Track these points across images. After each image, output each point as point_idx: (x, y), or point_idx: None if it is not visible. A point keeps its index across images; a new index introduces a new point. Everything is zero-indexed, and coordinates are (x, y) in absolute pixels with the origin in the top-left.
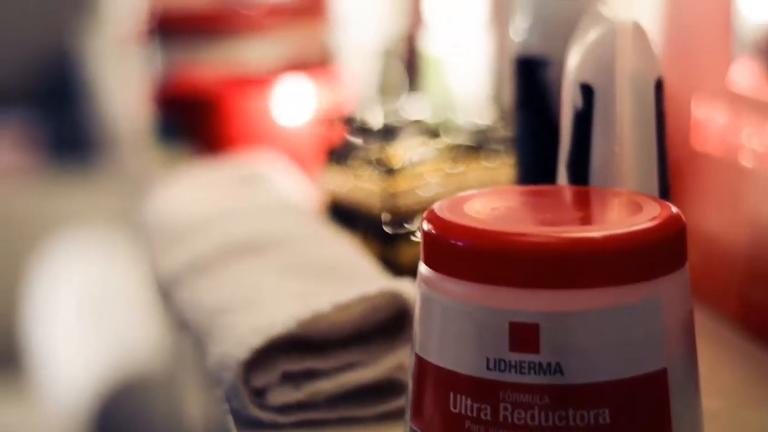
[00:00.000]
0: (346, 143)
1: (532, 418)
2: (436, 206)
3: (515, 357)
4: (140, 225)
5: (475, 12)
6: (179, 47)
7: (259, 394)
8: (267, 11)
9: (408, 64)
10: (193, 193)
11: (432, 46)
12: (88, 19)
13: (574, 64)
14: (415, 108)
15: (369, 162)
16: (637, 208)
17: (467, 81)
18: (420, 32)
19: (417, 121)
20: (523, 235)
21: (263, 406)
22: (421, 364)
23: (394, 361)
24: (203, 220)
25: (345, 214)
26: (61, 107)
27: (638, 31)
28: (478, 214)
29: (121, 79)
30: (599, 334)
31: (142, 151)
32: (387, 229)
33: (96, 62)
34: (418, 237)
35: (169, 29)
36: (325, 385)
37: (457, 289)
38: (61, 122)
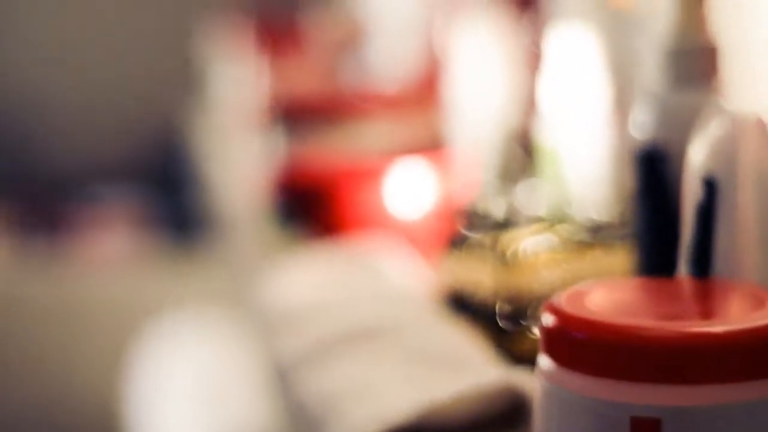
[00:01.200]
0: (462, 233)
1: None
2: (556, 298)
3: None
4: (254, 309)
5: (593, 103)
6: (294, 133)
7: None
8: (382, 98)
9: (525, 153)
10: (309, 279)
11: (548, 136)
12: (199, 99)
13: (696, 157)
14: (532, 199)
15: (484, 250)
16: (759, 302)
17: (585, 172)
18: (535, 122)
19: (534, 213)
20: (645, 329)
21: None
22: None
23: None
24: (319, 306)
25: (460, 303)
26: (172, 188)
27: (760, 124)
28: (599, 307)
29: (233, 161)
30: (721, 430)
31: (255, 235)
32: (503, 320)
33: (207, 143)
34: (535, 329)
35: (284, 115)
36: None
37: (577, 382)
38: (172, 203)
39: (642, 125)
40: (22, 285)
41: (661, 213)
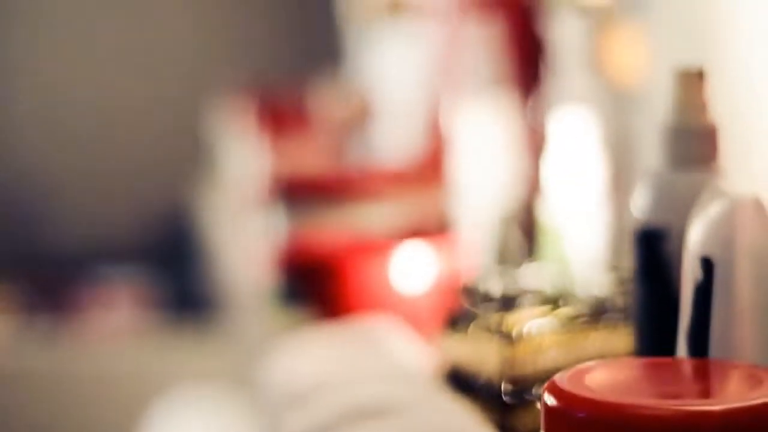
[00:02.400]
0: (465, 311)
1: None
2: (557, 377)
3: None
4: (259, 386)
5: (593, 181)
6: (298, 211)
7: None
8: (386, 177)
9: (527, 233)
10: (314, 357)
11: (550, 214)
12: (205, 178)
13: (694, 237)
14: (533, 277)
15: (488, 330)
16: (757, 381)
17: (586, 250)
18: (538, 200)
19: (536, 290)
20: (644, 407)
21: None
22: None
23: None
24: (324, 385)
25: (463, 381)
26: (178, 266)
27: (758, 205)
28: (599, 386)
29: (240, 239)
30: None
31: (260, 313)
32: (506, 398)
33: (214, 221)
34: (538, 407)
35: (288, 193)
36: None
37: None
38: (177, 281)
39: (641, 204)
40: (28, 361)
41: (660, 292)
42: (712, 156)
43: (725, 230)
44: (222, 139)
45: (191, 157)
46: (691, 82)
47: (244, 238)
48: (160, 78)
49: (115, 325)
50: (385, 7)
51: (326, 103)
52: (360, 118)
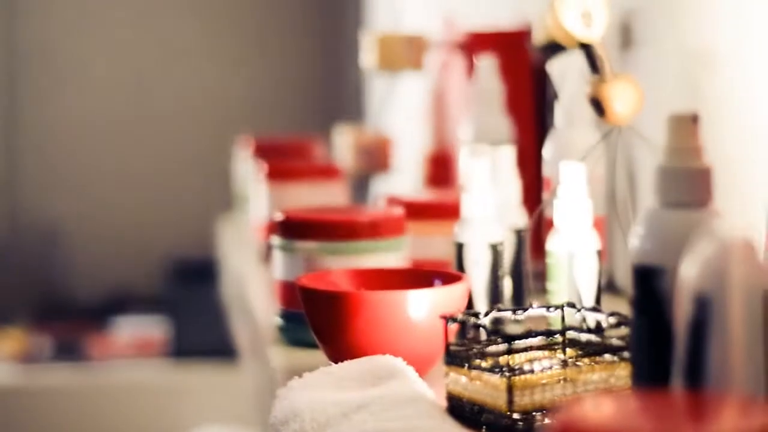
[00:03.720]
0: (469, 344)
1: None
2: (557, 411)
3: None
4: (272, 425)
5: (592, 218)
6: (306, 247)
7: None
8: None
9: (532, 269)
10: (325, 391)
11: (555, 245)
12: (227, 224)
13: (689, 275)
14: (537, 309)
15: (491, 363)
16: (749, 413)
17: (590, 284)
18: (546, 232)
19: (539, 323)
20: None
21: None
22: None
23: None
24: (336, 417)
25: (468, 414)
26: (197, 310)
27: (748, 245)
28: (598, 419)
29: (255, 273)
30: None
31: (273, 349)
32: (509, 430)
33: (234, 264)
34: None
35: (297, 230)
36: None
37: None
38: (195, 325)
39: (639, 240)
40: (47, 407)
41: (657, 325)
42: (706, 197)
43: (718, 269)
44: (244, 185)
45: (215, 205)
46: (685, 126)
47: (257, 271)
48: (183, 129)
49: (134, 371)
50: (406, 59)
51: (344, 147)
52: (377, 161)
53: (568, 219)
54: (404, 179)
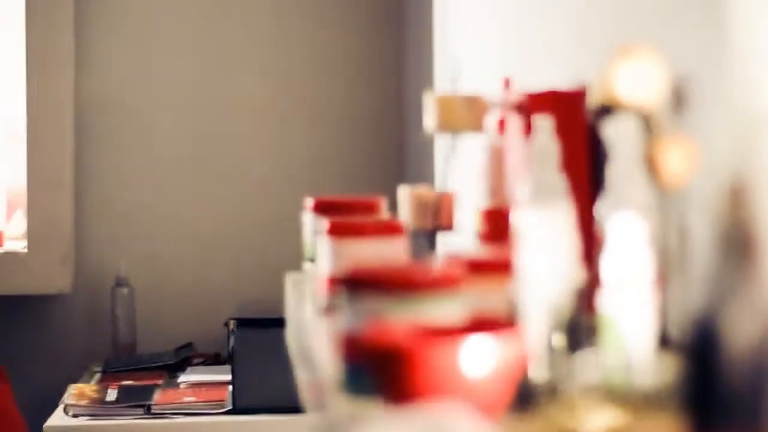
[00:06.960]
0: (527, 397)
1: None
2: None
3: None
4: None
5: (647, 277)
6: (367, 301)
7: None
8: (455, 268)
9: (586, 325)
10: None
11: (607, 304)
12: (296, 282)
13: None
14: (591, 365)
15: (551, 419)
16: None
17: (640, 340)
18: (597, 290)
19: (593, 379)
20: None
21: None
22: None
23: None
24: None
25: None
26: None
27: None
28: None
29: (318, 327)
30: None
31: (331, 401)
32: None
33: (295, 310)
34: None
35: (357, 284)
36: None
37: None
38: (256, 371)
39: (688, 298)
40: None
41: (707, 380)
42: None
43: None
44: (310, 242)
45: (282, 262)
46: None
47: (326, 330)
48: (251, 187)
49: (199, 424)
50: (466, 120)
51: (407, 204)
52: (439, 218)
53: (621, 275)
54: (466, 236)
